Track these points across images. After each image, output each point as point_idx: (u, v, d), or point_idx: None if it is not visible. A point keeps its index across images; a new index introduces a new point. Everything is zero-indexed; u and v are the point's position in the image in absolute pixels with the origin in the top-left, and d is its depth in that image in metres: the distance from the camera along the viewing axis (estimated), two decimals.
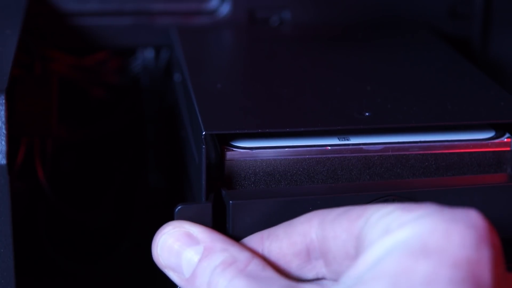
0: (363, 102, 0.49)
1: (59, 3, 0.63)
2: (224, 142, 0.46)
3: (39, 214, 0.61)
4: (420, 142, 0.47)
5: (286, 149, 0.46)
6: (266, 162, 0.46)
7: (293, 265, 0.41)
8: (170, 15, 0.64)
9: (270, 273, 0.40)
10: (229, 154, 0.45)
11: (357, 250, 0.38)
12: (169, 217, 0.46)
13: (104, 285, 0.64)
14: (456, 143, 0.47)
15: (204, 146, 0.44)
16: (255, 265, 0.41)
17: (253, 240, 0.43)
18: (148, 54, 0.65)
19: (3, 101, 0.43)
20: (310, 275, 0.41)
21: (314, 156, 0.46)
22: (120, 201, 0.68)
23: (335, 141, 0.46)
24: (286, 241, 0.42)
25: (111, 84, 0.66)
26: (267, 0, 0.65)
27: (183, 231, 0.43)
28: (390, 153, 0.46)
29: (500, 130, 0.48)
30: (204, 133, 0.44)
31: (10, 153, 0.43)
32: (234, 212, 0.43)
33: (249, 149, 0.45)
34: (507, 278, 0.38)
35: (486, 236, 0.36)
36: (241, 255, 0.41)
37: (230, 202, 0.43)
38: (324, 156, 0.46)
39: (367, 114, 0.47)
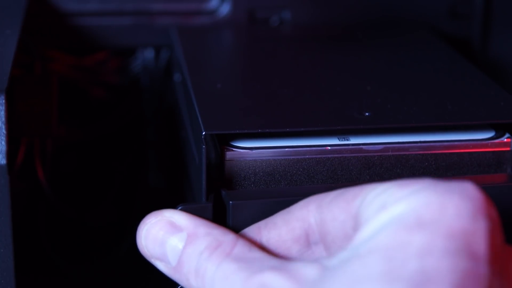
0: (363, 102, 0.49)
1: (59, 3, 0.63)
2: (224, 142, 0.46)
3: (39, 214, 0.61)
4: (420, 142, 0.47)
5: (286, 149, 0.46)
6: (266, 162, 0.45)
7: (293, 251, 0.41)
8: (170, 15, 0.64)
9: (257, 253, 0.40)
10: (229, 154, 0.45)
11: (355, 230, 0.38)
12: None
13: (104, 285, 0.64)
14: (456, 143, 0.47)
15: (204, 146, 0.44)
16: (241, 247, 0.40)
17: (250, 231, 0.43)
18: (148, 54, 0.65)
19: (3, 101, 0.43)
20: (310, 260, 0.41)
21: (314, 156, 0.46)
22: (120, 201, 0.68)
23: (335, 141, 0.46)
24: (284, 228, 0.41)
25: (111, 84, 0.66)
26: (267, 0, 0.65)
27: (165, 220, 0.43)
28: (390, 153, 0.46)
29: (500, 130, 0.48)
30: (204, 133, 0.44)
31: (10, 153, 0.43)
32: (234, 213, 0.43)
33: (249, 149, 0.45)
34: (507, 250, 0.38)
35: (483, 207, 0.36)
36: (226, 237, 0.41)
37: (230, 202, 0.43)
38: (324, 156, 0.46)
39: (367, 114, 0.47)
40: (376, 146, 0.46)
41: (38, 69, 0.58)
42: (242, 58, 0.61)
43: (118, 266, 0.65)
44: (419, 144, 0.47)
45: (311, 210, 0.41)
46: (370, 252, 0.35)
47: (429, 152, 0.47)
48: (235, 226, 0.43)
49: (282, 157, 0.46)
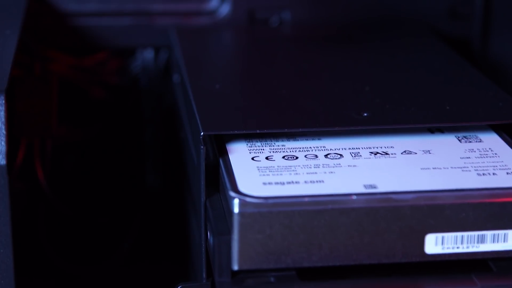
0: (361, 102, 0.49)
1: (59, 3, 0.63)
2: (235, 190, 0.41)
3: (39, 214, 0.61)
4: (457, 190, 0.41)
5: (306, 199, 0.40)
6: (283, 214, 0.40)
7: None
8: (169, 15, 0.64)
9: None
10: (241, 206, 0.40)
11: None
12: (168, 219, 0.45)
13: (104, 285, 0.64)
14: (497, 191, 0.41)
15: (202, 147, 0.44)
16: None
17: None
18: (148, 54, 0.65)
19: (3, 101, 0.43)
20: None
21: (337, 206, 0.40)
22: (119, 202, 0.68)
23: (361, 189, 0.41)
24: None
25: (111, 85, 0.66)
26: (267, 0, 0.65)
27: None
28: (423, 203, 0.41)
29: None
30: (202, 133, 0.44)
31: (10, 153, 0.44)
32: None
33: (264, 199, 0.40)
34: None
35: None
36: None
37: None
38: (348, 206, 0.40)
39: (365, 114, 0.47)
40: (407, 195, 0.41)
41: (38, 69, 0.58)
42: (241, 58, 0.61)
43: (118, 266, 0.65)
44: (455, 193, 0.41)
45: None
46: None
47: (466, 201, 0.41)
48: None
49: (302, 208, 0.40)
